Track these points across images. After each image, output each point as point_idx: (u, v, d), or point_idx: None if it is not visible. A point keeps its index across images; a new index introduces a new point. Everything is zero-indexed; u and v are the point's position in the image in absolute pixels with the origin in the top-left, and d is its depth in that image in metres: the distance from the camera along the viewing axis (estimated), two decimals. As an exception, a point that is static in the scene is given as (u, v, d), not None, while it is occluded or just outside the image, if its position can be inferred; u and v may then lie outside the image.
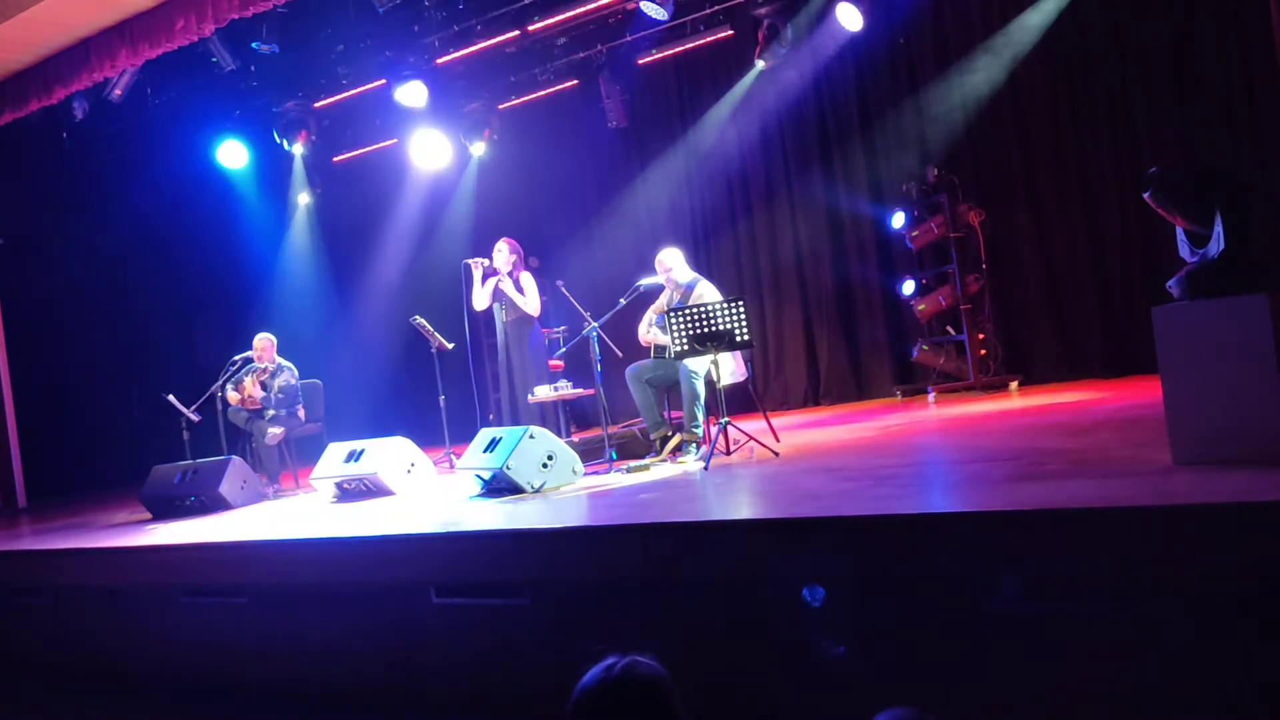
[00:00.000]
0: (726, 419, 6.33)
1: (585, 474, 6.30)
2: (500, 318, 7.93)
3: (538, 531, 4.79)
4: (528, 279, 7.89)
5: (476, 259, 7.92)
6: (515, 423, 7.38)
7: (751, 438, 6.32)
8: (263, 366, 8.21)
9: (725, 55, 9.70)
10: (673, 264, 7.03)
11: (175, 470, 7.65)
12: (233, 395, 8.14)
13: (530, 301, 7.82)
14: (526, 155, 10.82)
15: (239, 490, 7.49)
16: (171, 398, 8.03)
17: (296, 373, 8.31)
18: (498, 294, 7.86)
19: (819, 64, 9.12)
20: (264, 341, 8.26)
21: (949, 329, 8.74)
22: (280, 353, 8.36)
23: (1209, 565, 3.21)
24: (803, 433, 7.49)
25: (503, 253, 7.88)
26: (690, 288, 6.97)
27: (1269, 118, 7.23)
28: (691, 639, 4.32)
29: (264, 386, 8.15)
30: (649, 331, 7.11)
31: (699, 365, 6.47)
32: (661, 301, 7.12)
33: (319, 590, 5.40)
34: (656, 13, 8.40)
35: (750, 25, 8.93)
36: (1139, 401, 6.20)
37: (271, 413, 8.14)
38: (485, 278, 7.89)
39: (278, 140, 10.35)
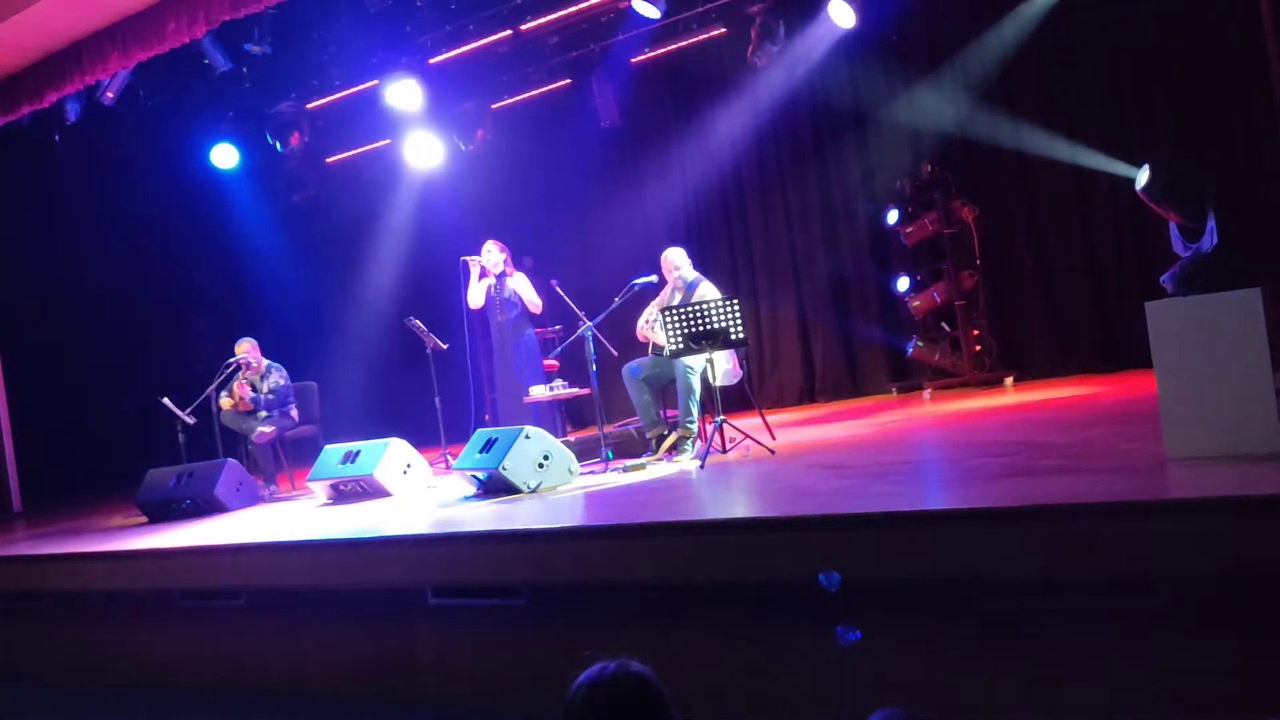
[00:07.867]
0: (722, 417, 6.33)
1: (581, 473, 6.29)
2: (495, 318, 7.92)
3: (534, 532, 4.79)
4: (523, 279, 7.91)
5: (475, 257, 7.93)
6: (509, 423, 7.38)
7: (747, 435, 6.32)
8: (248, 365, 8.16)
9: (718, 53, 9.67)
10: (681, 263, 7.09)
11: (171, 473, 7.63)
12: (225, 401, 8.14)
13: (534, 301, 7.86)
14: (520, 154, 10.81)
15: (235, 493, 7.48)
16: (166, 401, 8.01)
17: (286, 373, 8.30)
18: (490, 297, 7.86)
19: (812, 61, 9.12)
20: (246, 345, 8.23)
21: (944, 325, 8.75)
22: (274, 355, 8.34)
23: (1205, 560, 3.21)
24: (798, 430, 7.49)
25: (493, 252, 7.89)
26: (693, 286, 6.99)
27: (1261, 112, 7.23)
28: (689, 638, 4.32)
29: (253, 388, 8.13)
30: (648, 323, 7.07)
31: (695, 362, 6.48)
32: (664, 297, 7.12)
33: (316, 592, 5.41)
34: (649, 11, 8.39)
35: (743, 23, 8.91)
36: (1133, 396, 6.21)
37: (264, 413, 8.12)
38: (482, 276, 7.90)
39: (270, 141, 10.32)
